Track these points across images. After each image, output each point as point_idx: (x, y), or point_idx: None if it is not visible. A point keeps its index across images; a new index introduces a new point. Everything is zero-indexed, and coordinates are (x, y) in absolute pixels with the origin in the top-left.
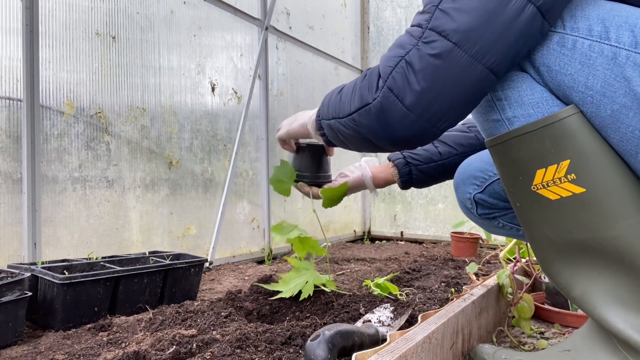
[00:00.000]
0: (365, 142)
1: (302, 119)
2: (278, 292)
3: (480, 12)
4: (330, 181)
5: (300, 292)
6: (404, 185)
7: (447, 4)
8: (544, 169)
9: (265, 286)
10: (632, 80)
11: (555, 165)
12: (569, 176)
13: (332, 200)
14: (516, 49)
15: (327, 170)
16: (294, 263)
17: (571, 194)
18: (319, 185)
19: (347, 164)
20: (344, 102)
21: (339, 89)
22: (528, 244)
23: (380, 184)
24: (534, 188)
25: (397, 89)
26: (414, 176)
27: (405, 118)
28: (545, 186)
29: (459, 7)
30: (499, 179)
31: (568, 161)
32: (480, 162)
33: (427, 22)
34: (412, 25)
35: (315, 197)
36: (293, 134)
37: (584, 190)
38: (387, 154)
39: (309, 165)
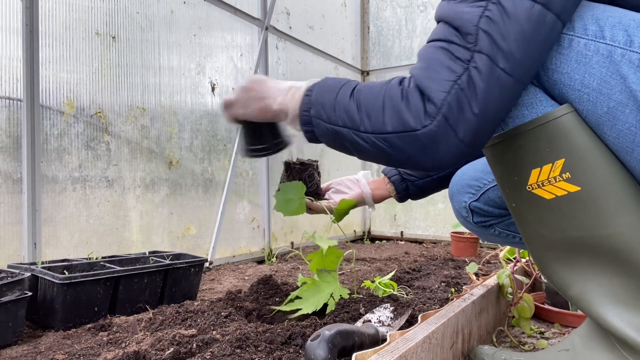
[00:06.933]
0: (384, 159)
1: (268, 100)
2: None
3: (521, 35)
4: (322, 195)
5: (319, 306)
6: (401, 200)
7: (489, 25)
8: (539, 169)
9: (282, 308)
10: (628, 78)
11: (550, 164)
12: (563, 175)
13: (342, 214)
14: (543, 63)
15: (320, 184)
16: (310, 280)
17: (566, 192)
18: (318, 199)
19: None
20: (369, 114)
21: (349, 88)
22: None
23: (378, 200)
24: (529, 188)
25: (453, 119)
26: (411, 191)
27: (456, 148)
28: (541, 186)
29: (502, 31)
30: (494, 186)
31: (562, 160)
32: (474, 170)
33: (472, 45)
34: (445, 41)
35: (330, 210)
36: (255, 116)
37: (579, 188)
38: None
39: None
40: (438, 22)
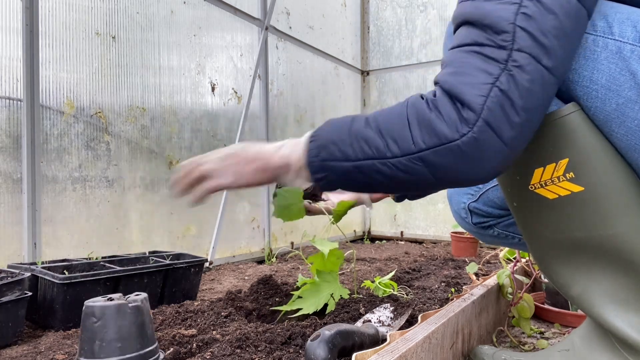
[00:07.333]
0: (423, 183)
1: (264, 158)
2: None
3: (561, 31)
4: (320, 195)
5: (320, 306)
6: (398, 200)
7: (527, 22)
8: (542, 168)
9: (283, 308)
10: (638, 74)
11: (554, 164)
12: (567, 175)
13: (341, 215)
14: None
15: None
16: (310, 281)
17: (570, 192)
18: (316, 201)
19: None
20: (394, 137)
21: (361, 119)
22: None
23: (375, 199)
24: (531, 187)
25: (496, 123)
26: None
27: (499, 154)
28: (544, 185)
29: (542, 27)
30: (493, 187)
31: (567, 160)
32: None
33: (509, 42)
34: (476, 44)
35: (329, 212)
36: (249, 180)
37: (583, 189)
38: None
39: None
40: (459, 25)
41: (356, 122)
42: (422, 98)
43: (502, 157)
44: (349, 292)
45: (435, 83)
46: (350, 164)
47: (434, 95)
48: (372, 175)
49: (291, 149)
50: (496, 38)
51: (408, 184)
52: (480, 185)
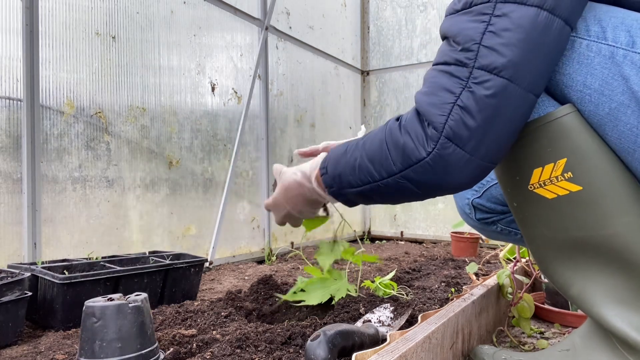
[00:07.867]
0: (415, 194)
1: (304, 199)
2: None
3: (527, 43)
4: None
5: (322, 299)
6: None
7: (492, 39)
8: (541, 168)
9: (286, 297)
10: (630, 79)
11: (552, 164)
12: (565, 175)
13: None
14: (553, 69)
15: None
16: (316, 273)
17: (568, 192)
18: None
19: None
20: (380, 161)
21: (353, 148)
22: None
23: None
24: (530, 187)
25: (457, 138)
26: None
27: (468, 164)
28: (542, 185)
29: (506, 42)
30: (496, 183)
31: (564, 160)
32: None
33: (471, 61)
34: (445, 63)
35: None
36: (308, 215)
37: (581, 188)
38: None
39: None
40: (442, 38)
41: (350, 152)
42: (397, 120)
43: (474, 165)
44: (355, 289)
45: (415, 100)
46: (356, 190)
47: (406, 119)
48: (373, 195)
49: (317, 182)
50: (461, 56)
51: (404, 197)
52: (484, 182)
